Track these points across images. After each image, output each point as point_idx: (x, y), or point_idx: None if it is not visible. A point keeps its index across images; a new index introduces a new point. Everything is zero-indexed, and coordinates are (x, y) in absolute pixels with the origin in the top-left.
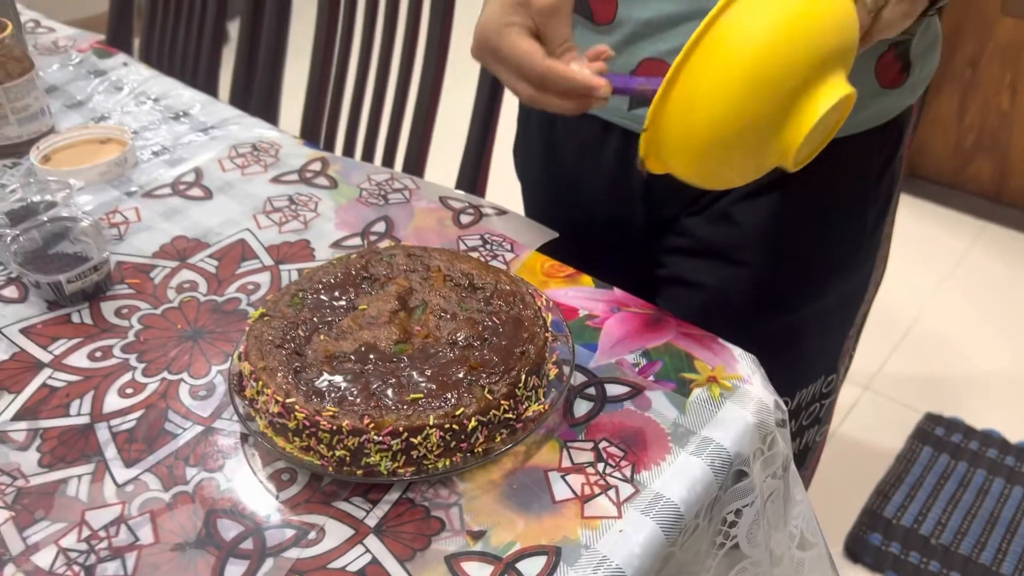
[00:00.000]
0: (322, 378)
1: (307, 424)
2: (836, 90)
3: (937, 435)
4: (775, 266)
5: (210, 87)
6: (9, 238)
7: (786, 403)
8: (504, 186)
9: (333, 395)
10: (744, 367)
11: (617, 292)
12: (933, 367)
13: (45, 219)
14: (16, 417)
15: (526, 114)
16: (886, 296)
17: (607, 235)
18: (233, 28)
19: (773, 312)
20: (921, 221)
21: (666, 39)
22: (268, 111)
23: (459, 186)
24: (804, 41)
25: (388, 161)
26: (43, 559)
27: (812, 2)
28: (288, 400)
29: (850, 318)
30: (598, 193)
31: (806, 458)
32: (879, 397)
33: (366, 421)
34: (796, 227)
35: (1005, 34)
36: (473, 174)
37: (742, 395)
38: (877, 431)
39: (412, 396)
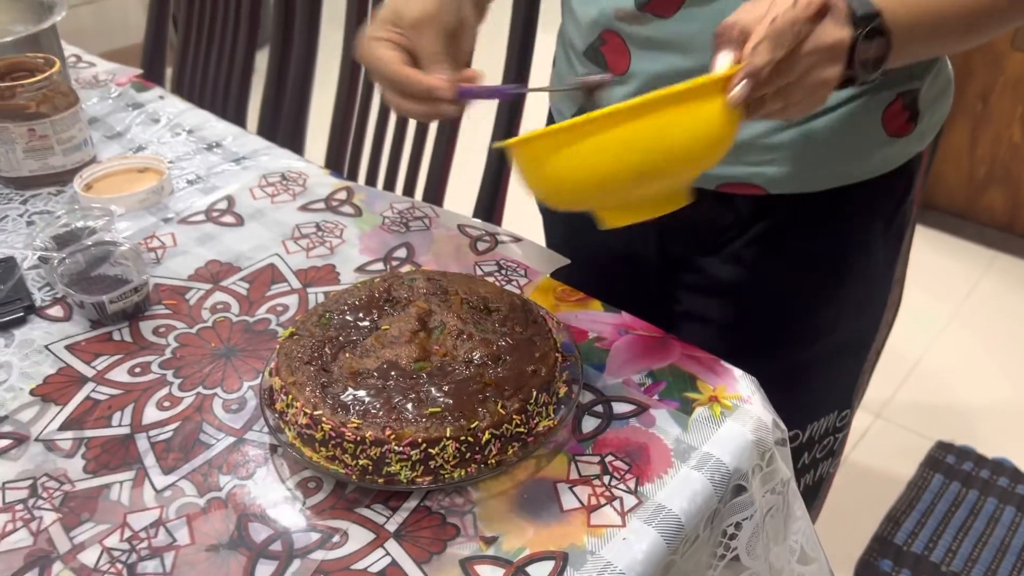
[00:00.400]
0: (347, 393)
1: (333, 435)
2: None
3: (948, 463)
4: (785, 307)
5: (239, 116)
6: (56, 261)
7: (797, 436)
8: (520, 217)
9: (357, 408)
10: (744, 387)
11: (625, 316)
12: (945, 395)
13: (89, 243)
14: (63, 427)
15: None
16: (898, 324)
17: (623, 270)
18: (262, 58)
19: (784, 350)
20: (934, 251)
21: None
22: (295, 140)
23: (476, 215)
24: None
25: (409, 190)
26: (88, 557)
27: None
28: (316, 412)
29: (862, 357)
30: (614, 230)
31: (819, 489)
32: (890, 425)
33: (387, 432)
34: (805, 271)
35: (1015, 68)
36: (490, 204)
37: (742, 414)
38: (888, 458)
39: (430, 410)
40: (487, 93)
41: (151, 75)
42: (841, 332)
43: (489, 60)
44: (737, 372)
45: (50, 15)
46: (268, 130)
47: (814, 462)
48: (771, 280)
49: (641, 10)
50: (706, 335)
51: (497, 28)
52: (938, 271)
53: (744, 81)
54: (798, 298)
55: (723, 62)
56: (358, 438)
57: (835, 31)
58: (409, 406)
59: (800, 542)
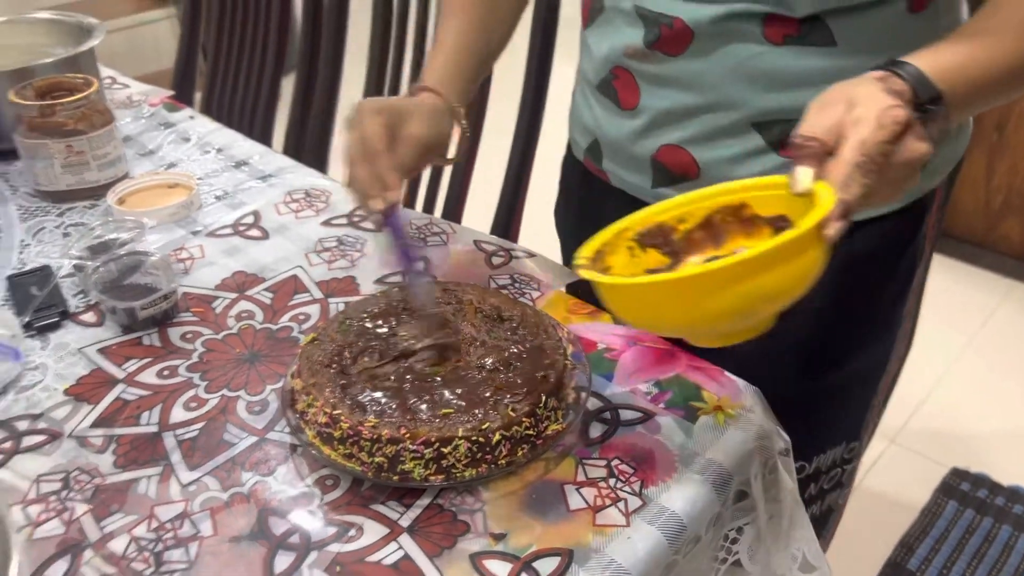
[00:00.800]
0: (365, 394)
1: (351, 433)
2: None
3: (963, 490)
4: (792, 339)
5: (265, 137)
6: (90, 269)
7: (804, 467)
8: (534, 236)
9: (374, 408)
10: (747, 397)
11: (633, 328)
12: (960, 422)
13: (121, 253)
14: (94, 425)
15: (566, 178)
16: (913, 350)
17: None
18: (287, 84)
19: (791, 381)
20: (950, 279)
21: (683, 128)
22: (319, 160)
23: (493, 232)
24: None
25: (428, 208)
26: (118, 545)
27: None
28: (335, 412)
29: (871, 389)
30: None
31: (828, 520)
32: (905, 451)
33: (403, 431)
34: (811, 304)
35: None
36: (506, 222)
37: (745, 423)
38: (902, 484)
39: (444, 411)
40: (397, 232)
41: (180, 96)
42: (849, 366)
43: (507, 87)
44: (740, 383)
45: (89, 38)
46: (293, 150)
47: (821, 493)
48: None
49: (650, 48)
50: (714, 363)
51: (515, 57)
52: (954, 299)
53: (840, 219)
54: (804, 330)
55: (803, 176)
56: (375, 436)
57: (917, 145)
58: (424, 407)
59: (803, 550)
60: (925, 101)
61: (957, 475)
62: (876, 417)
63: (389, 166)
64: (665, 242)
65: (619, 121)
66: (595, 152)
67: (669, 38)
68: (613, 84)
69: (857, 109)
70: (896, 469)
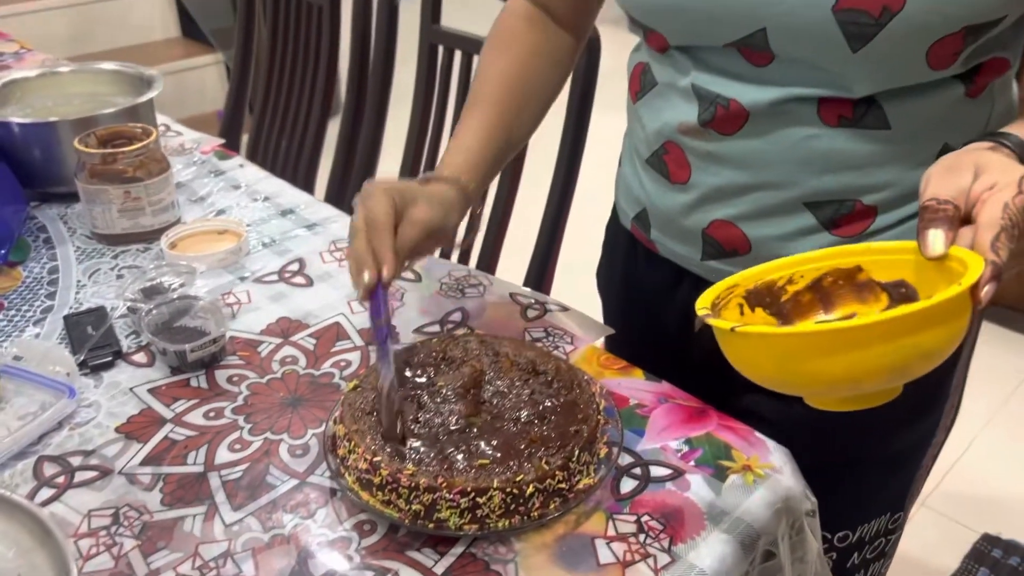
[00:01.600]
0: (404, 442)
1: (390, 480)
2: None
3: (995, 557)
4: (836, 417)
5: (308, 181)
6: (143, 312)
7: (848, 536)
8: (567, 288)
9: (413, 457)
10: (777, 458)
11: (665, 385)
12: (991, 486)
13: (173, 297)
14: (143, 463)
15: (611, 243)
16: None
17: (679, 363)
18: (332, 126)
19: (835, 455)
20: (982, 341)
21: (735, 205)
22: None
23: (527, 284)
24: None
25: (464, 259)
26: None
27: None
28: (375, 459)
29: (916, 462)
30: (670, 327)
31: None
32: (935, 515)
33: (440, 480)
34: None
35: None
36: (540, 275)
37: (774, 483)
38: (933, 549)
39: (480, 462)
40: (376, 311)
41: (229, 142)
42: (896, 440)
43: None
44: (770, 443)
45: (149, 89)
46: (335, 197)
47: (864, 562)
48: None
49: (704, 127)
50: (760, 431)
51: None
52: (987, 361)
53: (992, 282)
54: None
55: (937, 239)
56: (412, 484)
57: None
58: (460, 457)
59: None
60: None
61: (988, 541)
62: (919, 487)
63: (388, 244)
64: (773, 302)
65: (669, 194)
66: (643, 222)
67: (724, 118)
68: (663, 158)
69: (990, 175)
70: (926, 533)
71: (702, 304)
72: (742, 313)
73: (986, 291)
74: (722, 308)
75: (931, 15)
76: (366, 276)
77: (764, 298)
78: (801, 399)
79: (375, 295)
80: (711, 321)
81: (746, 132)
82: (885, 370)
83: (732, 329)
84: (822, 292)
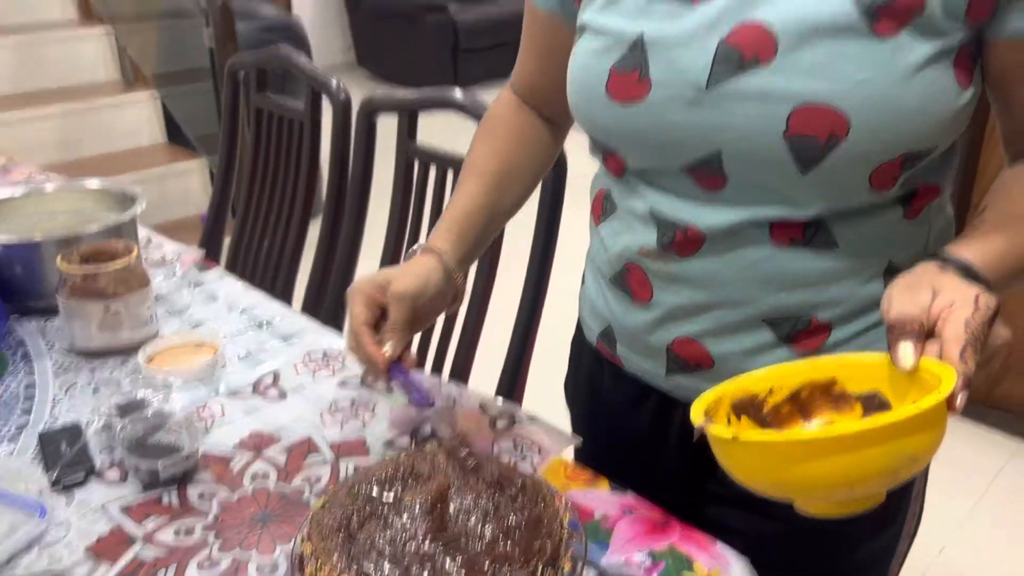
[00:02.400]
0: (371, 559)
1: None
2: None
3: None
4: (807, 525)
5: (287, 288)
6: (118, 428)
7: None
8: (540, 394)
9: (379, 575)
10: (737, 570)
11: (630, 496)
12: None
13: (148, 414)
14: None
15: (577, 357)
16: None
17: (648, 477)
18: (313, 227)
19: (806, 563)
20: (954, 440)
21: (697, 322)
22: (337, 317)
23: (499, 391)
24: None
25: (438, 366)
26: None
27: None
28: None
29: (885, 567)
30: (638, 441)
31: None
32: None
33: None
34: None
35: None
36: (511, 382)
37: None
38: None
39: None
40: (406, 383)
41: (211, 245)
42: (862, 549)
43: (515, 247)
44: (732, 555)
45: (132, 206)
46: (313, 304)
47: None
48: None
49: (664, 250)
50: (732, 544)
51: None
52: (958, 460)
53: (964, 391)
54: (817, 521)
55: (908, 352)
56: None
57: (1003, 331)
58: (425, 574)
59: None
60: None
61: None
62: None
63: (371, 342)
64: (756, 413)
65: (633, 312)
66: (609, 338)
67: (682, 242)
68: (627, 278)
69: (947, 294)
70: None
71: (696, 414)
72: (729, 422)
73: (960, 399)
74: (714, 417)
75: (873, 143)
76: (371, 376)
77: (748, 408)
78: (769, 511)
79: (392, 375)
80: (712, 430)
81: (704, 254)
82: (878, 473)
83: (734, 438)
84: (800, 403)
